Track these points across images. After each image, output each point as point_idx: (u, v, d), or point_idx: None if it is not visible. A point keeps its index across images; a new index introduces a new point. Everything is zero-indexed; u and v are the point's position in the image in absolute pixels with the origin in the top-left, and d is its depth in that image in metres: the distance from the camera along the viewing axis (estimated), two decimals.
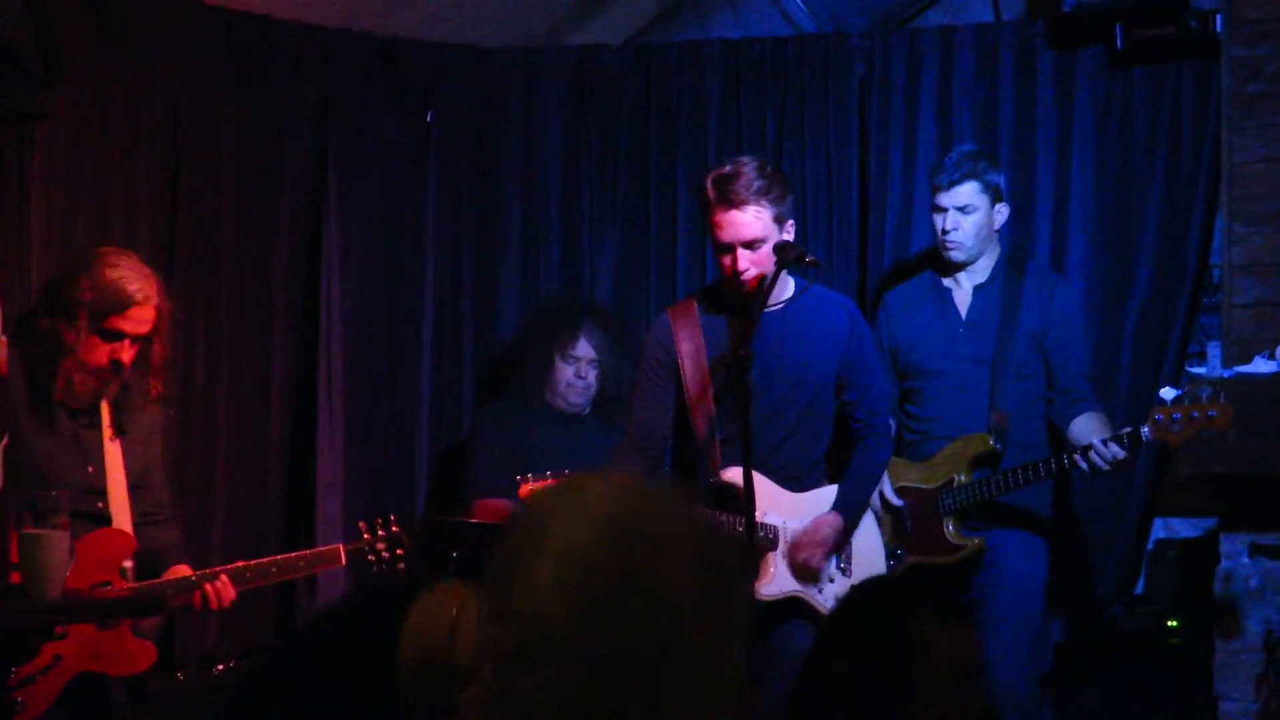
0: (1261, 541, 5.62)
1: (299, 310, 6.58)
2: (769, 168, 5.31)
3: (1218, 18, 6.09)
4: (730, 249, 5.22)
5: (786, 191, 5.29)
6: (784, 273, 5.31)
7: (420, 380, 6.85)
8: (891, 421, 5.78)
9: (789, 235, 5.27)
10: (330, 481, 6.48)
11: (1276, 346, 5.68)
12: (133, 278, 5.01)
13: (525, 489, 5.29)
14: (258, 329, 6.48)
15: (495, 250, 7.01)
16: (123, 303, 4.98)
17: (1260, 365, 5.70)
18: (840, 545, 5.42)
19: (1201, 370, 6.06)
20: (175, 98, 6.21)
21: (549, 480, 5.32)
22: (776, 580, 5.32)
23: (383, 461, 6.79)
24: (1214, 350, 6.00)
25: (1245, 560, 5.74)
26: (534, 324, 6.58)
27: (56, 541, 4.30)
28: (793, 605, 5.35)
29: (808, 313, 5.43)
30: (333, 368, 6.54)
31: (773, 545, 5.31)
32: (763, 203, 5.19)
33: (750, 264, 5.21)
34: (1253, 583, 5.79)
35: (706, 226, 5.37)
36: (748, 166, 5.26)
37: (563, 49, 7.20)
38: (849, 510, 5.43)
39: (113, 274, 4.99)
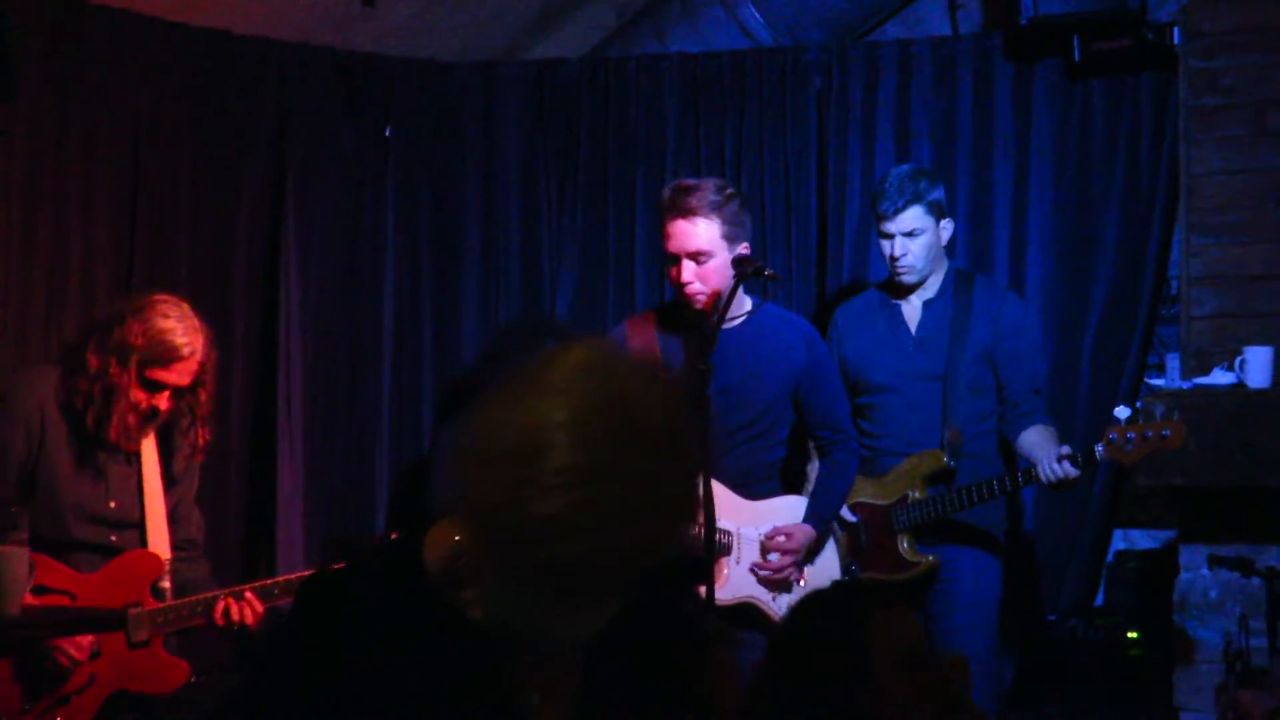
0: (1220, 553, 5.62)
1: (258, 324, 6.56)
2: (730, 189, 5.34)
3: (1175, 30, 6.12)
4: (676, 259, 5.26)
5: (743, 214, 5.32)
6: (741, 290, 5.32)
7: (380, 393, 6.84)
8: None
9: (742, 254, 5.27)
10: (290, 494, 6.46)
11: (1235, 358, 5.70)
12: (181, 330, 5.04)
13: None
14: (217, 343, 6.42)
15: (455, 264, 7.00)
16: (168, 357, 5.01)
17: (1219, 377, 5.72)
18: (810, 557, 5.45)
19: (1160, 382, 6.07)
20: (134, 113, 6.19)
21: None
22: (730, 585, 5.32)
23: (343, 474, 6.76)
24: (1173, 362, 6.00)
25: (1204, 572, 5.76)
26: (500, 345, 6.54)
27: (15, 558, 4.27)
28: (744, 616, 5.34)
29: (762, 330, 5.44)
30: (292, 381, 6.52)
31: (726, 551, 5.31)
32: (713, 217, 5.22)
33: (695, 277, 5.24)
34: (1211, 594, 5.81)
35: (661, 236, 5.39)
36: (708, 182, 5.35)
37: (521, 63, 7.20)
38: (821, 523, 5.47)
39: (164, 324, 5.02)
